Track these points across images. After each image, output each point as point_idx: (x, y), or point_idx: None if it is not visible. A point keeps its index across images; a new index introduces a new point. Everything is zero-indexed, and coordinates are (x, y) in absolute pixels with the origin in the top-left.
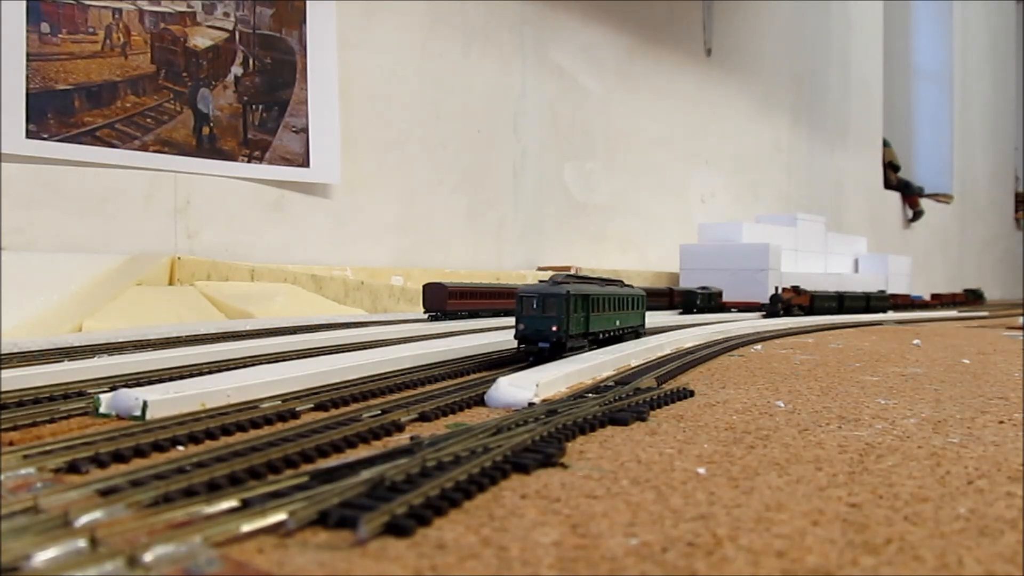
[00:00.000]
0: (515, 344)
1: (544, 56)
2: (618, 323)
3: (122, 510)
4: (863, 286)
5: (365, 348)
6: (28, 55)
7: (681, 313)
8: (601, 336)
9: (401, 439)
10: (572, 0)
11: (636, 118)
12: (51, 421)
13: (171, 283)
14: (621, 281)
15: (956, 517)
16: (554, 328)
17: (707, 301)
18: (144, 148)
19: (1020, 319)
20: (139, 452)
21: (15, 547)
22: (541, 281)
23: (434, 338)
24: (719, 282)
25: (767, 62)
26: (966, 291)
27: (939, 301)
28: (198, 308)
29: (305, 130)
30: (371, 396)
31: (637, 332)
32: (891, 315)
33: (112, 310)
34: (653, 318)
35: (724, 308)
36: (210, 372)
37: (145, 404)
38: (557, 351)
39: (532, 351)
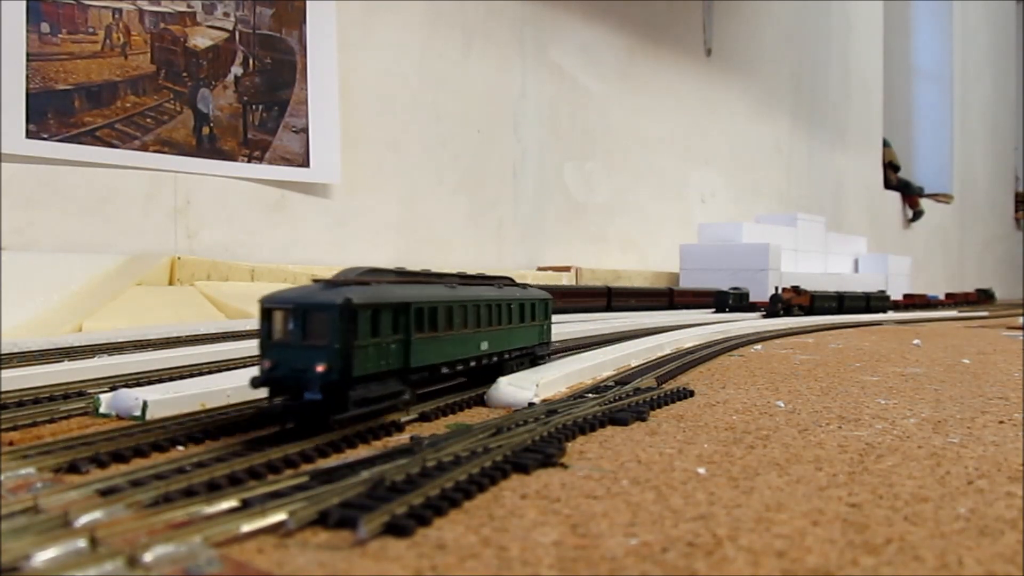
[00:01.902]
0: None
1: (544, 56)
2: (486, 346)
3: (122, 510)
4: (863, 286)
5: None
6: (28, 55)
7: (714, 312)
8: (445, 371)
9: (401, 439)
10: (572, 0)
11: (636, 118)
12: (51, 421)
13: (171, 283)
14: (508, 279)
15: (956, 517)
16: (320, 368)
17: (738, 301)
18: (144, 148)
19: (1020, 319)
20: (139, 452)
21: (15, 547)
22: (315, 281)
23: None
24: (719, 282)
25: (767, 62)
26: (978, 291)
27: (953, 300)
28: (198, 308)
29: (305, 130)
30: None
31: (533, 356)
32: (891, 315)
33: (112, 310)
34: (653, 318)
35: (753, 307)
36: (210, 372)
37: (145, 404)
38: (333, 409)
39: (289, 409)
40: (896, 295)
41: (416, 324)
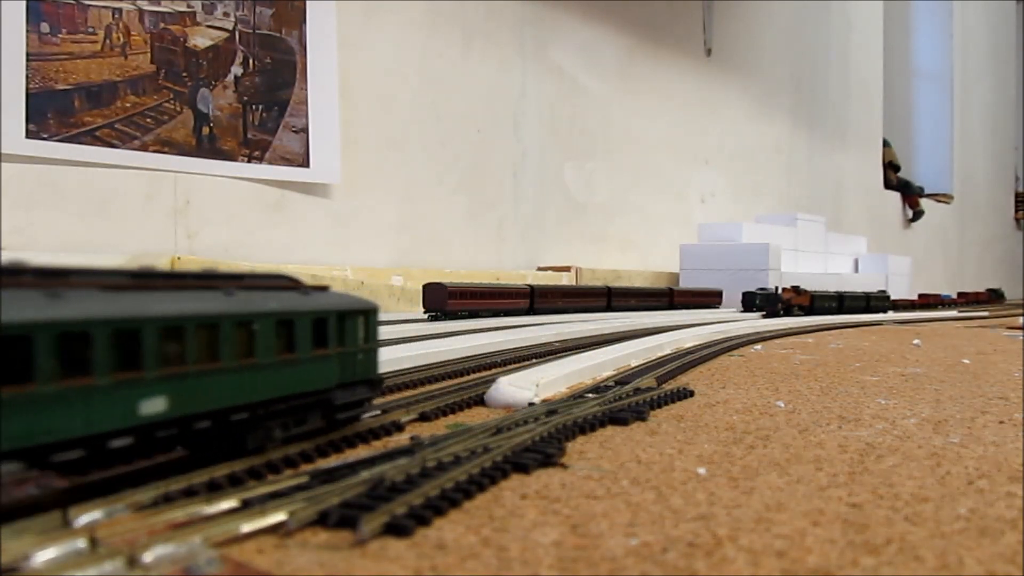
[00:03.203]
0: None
1: (544, 56)
2: (160, 406)
3: (122, 510)
4: (863, 286)
5: None
6: (28, 55)
7: (742, 311)
8: (11, 468)
9: (401, 439)
10: (572, 0)
11: (636, 118)
12: None
13: None
14: (284, 277)
15: (956, 517)
16: None
17: (765, 301)
18: (144, 148)
19: (1020, 319)
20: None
21: (15, 547)
22: None
23: (434, 338)
24: (719, 282)
25: (767, 62)
26: (988, 291)
27: (966, 300)
28: None
29: (305, 130)
30: None
31: (328, 406)
32: (891, 315)
33: None
34: (653, 318)
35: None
36: None
37: None
38: None
39: None
40: (896, 295)
41: None
